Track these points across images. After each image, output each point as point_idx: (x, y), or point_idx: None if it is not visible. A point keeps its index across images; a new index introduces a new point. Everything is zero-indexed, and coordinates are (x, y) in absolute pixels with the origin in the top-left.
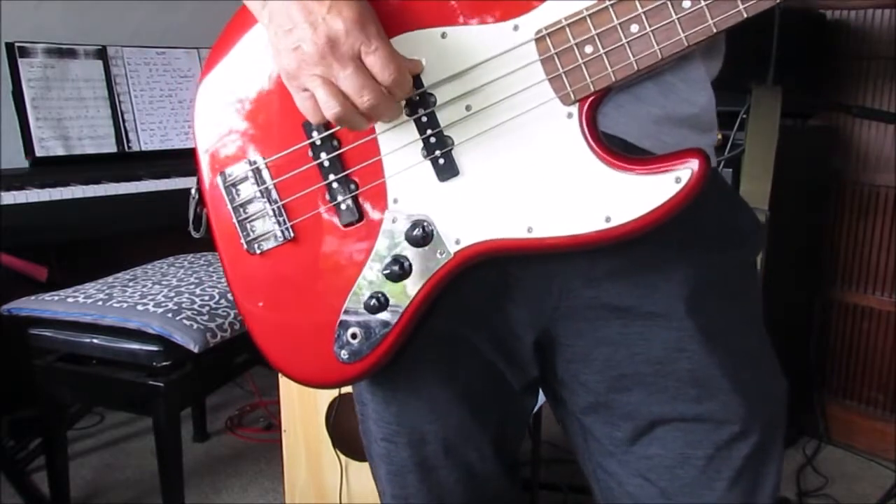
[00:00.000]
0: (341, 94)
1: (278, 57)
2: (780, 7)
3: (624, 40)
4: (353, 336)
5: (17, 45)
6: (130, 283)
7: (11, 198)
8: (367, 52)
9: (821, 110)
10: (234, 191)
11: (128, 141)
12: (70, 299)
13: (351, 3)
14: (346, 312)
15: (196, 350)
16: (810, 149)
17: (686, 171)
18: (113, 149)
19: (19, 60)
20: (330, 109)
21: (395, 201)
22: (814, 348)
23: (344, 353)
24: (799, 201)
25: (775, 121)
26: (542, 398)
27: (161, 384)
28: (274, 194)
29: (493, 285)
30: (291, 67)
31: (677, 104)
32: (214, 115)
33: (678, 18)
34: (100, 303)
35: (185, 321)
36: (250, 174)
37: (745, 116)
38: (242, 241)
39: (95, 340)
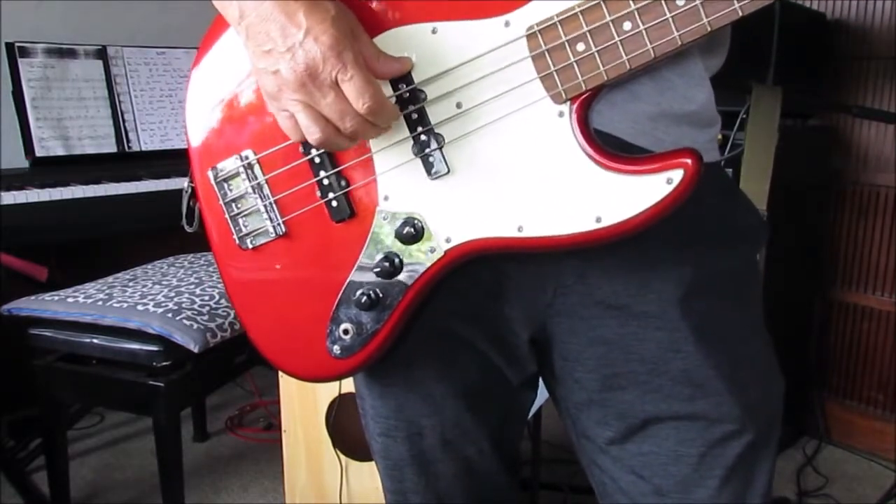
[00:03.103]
0: (323, 119)
1: (258, 76)
2: (781, 7)
3: (616, 38)
4: (345, 332)
5: (17, 45)
6: (130, 283)
7: (11, 198)
8: (343, 80)
9: (821, 110)
10: (225, 186)
11: (128, 141)
12: (70, 299)
13: (328, 28)
14: (338, 308)
15: (196, 350)
16: (810, 149)
17: (678, 172)
18: (113, 149)
19: (19, 60)
20: (312, 135)
21: (386, 198)
22: (814, 348)
23: (336, 349)
24: (799, 201)
25: (775, 121)
26: (541, 397)
27: (161, 384)
28: (266, 190)
29: (487, 283)
30: (272, 89)
31: (674, 101)
32: (205, 107)
33: (672, 16)
34: (100, 303)
35: (185, 321)
36: (242, 169)
37: (744, 116)
38: (234, 236)
39: (95, 340)
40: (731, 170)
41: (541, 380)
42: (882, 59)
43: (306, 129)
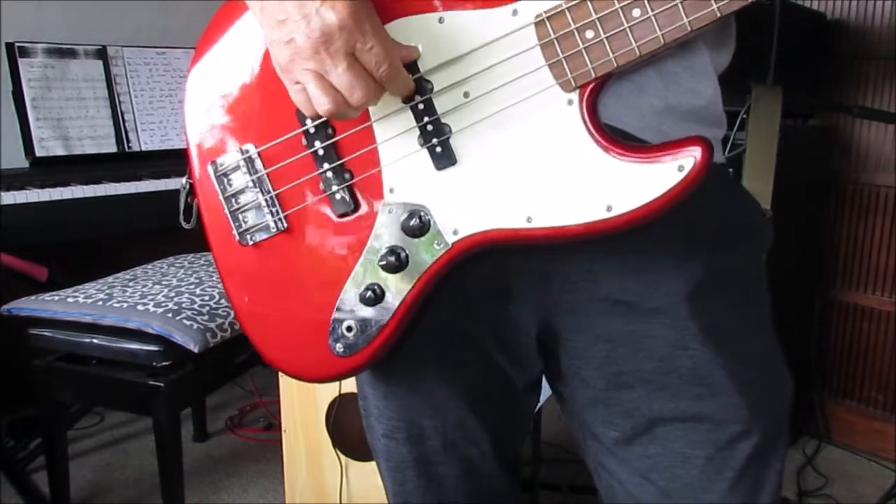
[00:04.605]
0: (333, 90)
1: (271, 49)
2: (781, 7)
3: (625, 25)
4: (349, 329)
5: (17, 45)
6: (130, 283)
7: (11, 198)
8: (363, 50)
9: (821, 110)
10: (225, 180)
11: (128, 141)
12: (70, 299)
13: None
14: (342, 305)
15: (196, 350)
16: (810, 149)
17: (689, 158)
18: (113, 149)
19: (19, 60)
20: (321, 105)
21: (392, 191)
22: (814, 348)
23: (339, 347)
24: (799, 201)
25: (775, 121)
26: (543, 396)
27: (161, 384)
28: (267, 184)
29: (492, 280)
30: (284, 60)
31: (681, 95)
32: (205, 103)
33: (682, 2)
34: (100, 303)
35: (185, 321)
36: (242, 163)
37: (745, 116)
38: (234, 232)
39: (95, 340)
40: (731, 170)
41: (542, 380)
42: (882, 59)
43: (316, 99)
